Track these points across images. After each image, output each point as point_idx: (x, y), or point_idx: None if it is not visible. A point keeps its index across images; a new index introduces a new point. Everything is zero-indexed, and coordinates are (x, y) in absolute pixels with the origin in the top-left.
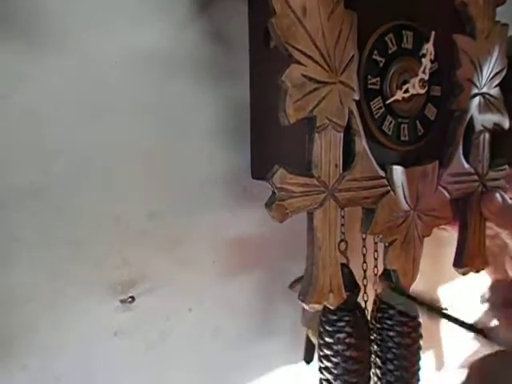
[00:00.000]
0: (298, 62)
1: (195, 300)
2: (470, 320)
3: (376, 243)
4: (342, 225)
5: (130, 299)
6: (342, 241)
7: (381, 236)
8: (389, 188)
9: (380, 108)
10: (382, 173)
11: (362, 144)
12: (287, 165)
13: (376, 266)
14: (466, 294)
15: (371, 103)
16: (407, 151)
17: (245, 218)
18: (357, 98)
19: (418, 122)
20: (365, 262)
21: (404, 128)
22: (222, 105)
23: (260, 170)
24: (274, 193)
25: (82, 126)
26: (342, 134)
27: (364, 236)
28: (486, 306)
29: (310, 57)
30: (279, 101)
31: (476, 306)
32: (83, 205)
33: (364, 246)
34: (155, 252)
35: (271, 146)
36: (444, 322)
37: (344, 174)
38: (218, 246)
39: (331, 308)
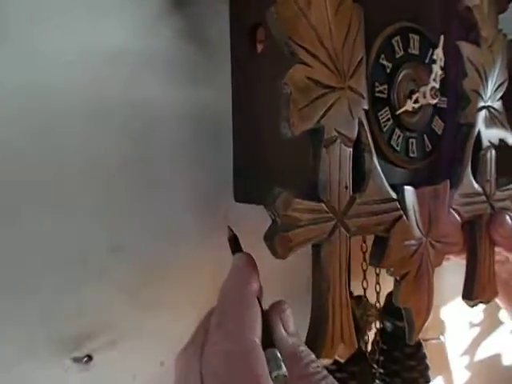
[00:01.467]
0: (303, 62)
1: (168, 351)
2: None
3: (378, 275)
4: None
5: (86, 358)
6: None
7: (392, 269)
8: (401, 212)
9: (388, 120)
10: (393, 195)
11: (373, 161)
12: (282, 186)
13: (378, 301)
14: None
15: (379, 114)
16: (415, 169)
17: (227, 251)
18: (366, 106)
19: (425, 136)
20: (365, 296)
21: (412, 143)
22: (198, 114)
23: (245, 191)
24: (275, 222)
25: (23, 139)
26: (351, 150)
27: (365, 267)
28: None
29: (315, 56)
30: (280, 109)
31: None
32: (25, 237)
33: (364, 279)
34: (118, 294)
35: (260, 163)
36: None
37: (355, 197)
38: (194, 285)
39: (340, 361)
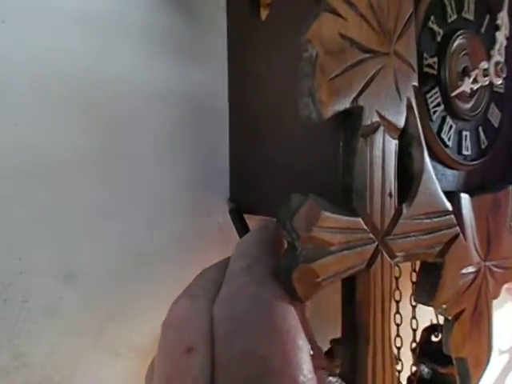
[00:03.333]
0: (333, 12)
1: None
2: None
3: (414, 307)
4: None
5: None
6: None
7: (444, 306)
8: (457, 230)
9: (438, 105)
10: (448, 206)
11: (424, 159)
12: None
13: (415, 340)
14: None
15: (428, 96)
16: (468, 172)
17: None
18: (416, 82)
19: (480, 129)
20: (398, 335)
21: (466, 137)
22: (186, 97)
23: (245, 198)
24: (292, 246)
25: None
26: (397, 143)
27: (397, 297)
28: None
29: (351, 4)
30: (297, 82)
31: None
32: None
33: (398, 312)
34: (74, 339)
35: (266, 162)
36: None
37: (401, 209)
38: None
39: None
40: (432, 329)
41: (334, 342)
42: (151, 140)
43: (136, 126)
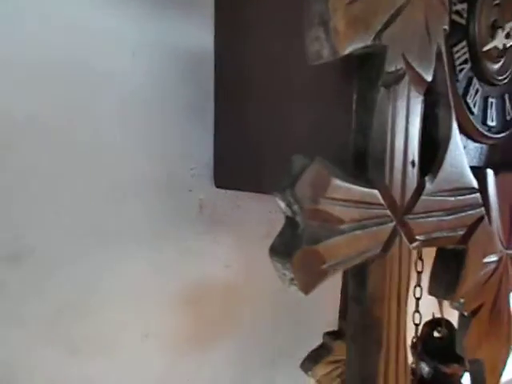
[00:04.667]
0: None
1: None
2: None
3: (418, 299)
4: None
5: None
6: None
7: (462, 300)
8: (483, 211)
9: (465, 62)
10: (475, 182)
11: (452, 123)
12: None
13: (417, 335)
14: None
15: (454, 49)
16: (492, 146)
17: (199, 254)
18: (447, 26)
19: (506, 97)
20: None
21: (492, 105)
22: (163, 50)
23: (232, 171)
24: (293, 222)
25: None
26: (423, 99)
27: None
28: None
29: None
30: (306, 5)
31: None
32: None
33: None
34: (18, 330)
35: (256, 126)
36: None
37: (424, 182)
38: (151, 308)
39: None
40: (434, 323)
41: (327, 335)
42: (117, 98)
43: (104, 96)
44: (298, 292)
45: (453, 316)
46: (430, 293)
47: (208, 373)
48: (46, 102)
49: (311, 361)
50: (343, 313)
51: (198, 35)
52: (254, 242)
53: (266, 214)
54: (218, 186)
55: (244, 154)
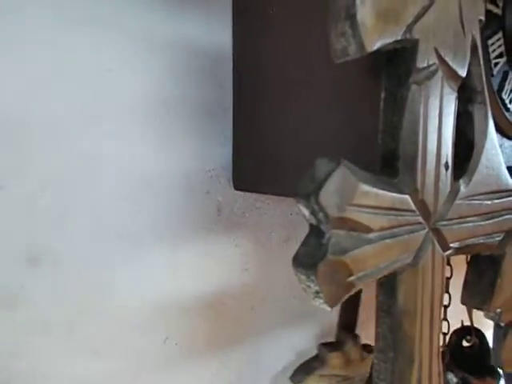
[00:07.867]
0: None
1: None
2: None
3: (447, 307)
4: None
5: None
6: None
7: (499, 311)
8: None
9: (500, 56)
10: (511, 183)
11: (487, 122)
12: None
13: (445, 344)
14: None
15: (489, 42)
16: None
17: (218, 257)
18: (483, 16)
19: None
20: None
21: None
22: (181, 49)
23: (251, 173)
24: (317, 231)
25: None
26: (457, 96)
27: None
28: None
29: None
30: (332, 4)
31: None
32: None
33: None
34: (39, 336)
35: (277, 126)
36: None
37: (458, 185)
38: (170, 311)
39: None
40: (463, 331)
41: (323, 347)
42: (136, 98)
43: (121, 101)
44: (322, 305)
45: (483, 323)
46: (463, 302)
47: (227, 376)
48: (66, 105)
49: (302, 372)
50: (342, 322)
51: (217, 34)
52: (273, 244)
53: (286, 216)
54: (236, 189)
55: (264, 156)
